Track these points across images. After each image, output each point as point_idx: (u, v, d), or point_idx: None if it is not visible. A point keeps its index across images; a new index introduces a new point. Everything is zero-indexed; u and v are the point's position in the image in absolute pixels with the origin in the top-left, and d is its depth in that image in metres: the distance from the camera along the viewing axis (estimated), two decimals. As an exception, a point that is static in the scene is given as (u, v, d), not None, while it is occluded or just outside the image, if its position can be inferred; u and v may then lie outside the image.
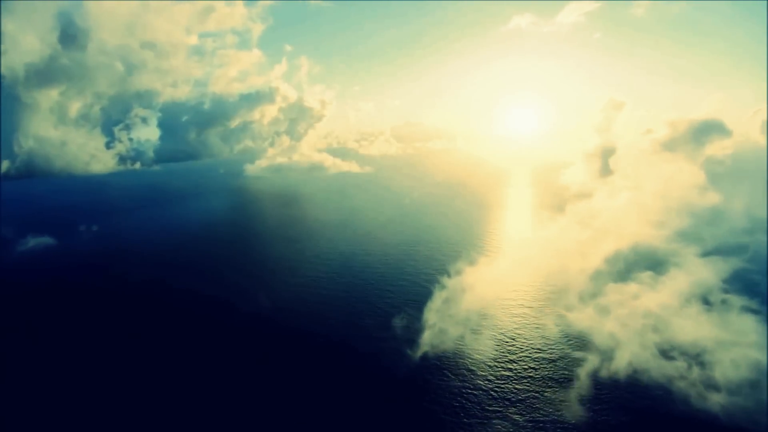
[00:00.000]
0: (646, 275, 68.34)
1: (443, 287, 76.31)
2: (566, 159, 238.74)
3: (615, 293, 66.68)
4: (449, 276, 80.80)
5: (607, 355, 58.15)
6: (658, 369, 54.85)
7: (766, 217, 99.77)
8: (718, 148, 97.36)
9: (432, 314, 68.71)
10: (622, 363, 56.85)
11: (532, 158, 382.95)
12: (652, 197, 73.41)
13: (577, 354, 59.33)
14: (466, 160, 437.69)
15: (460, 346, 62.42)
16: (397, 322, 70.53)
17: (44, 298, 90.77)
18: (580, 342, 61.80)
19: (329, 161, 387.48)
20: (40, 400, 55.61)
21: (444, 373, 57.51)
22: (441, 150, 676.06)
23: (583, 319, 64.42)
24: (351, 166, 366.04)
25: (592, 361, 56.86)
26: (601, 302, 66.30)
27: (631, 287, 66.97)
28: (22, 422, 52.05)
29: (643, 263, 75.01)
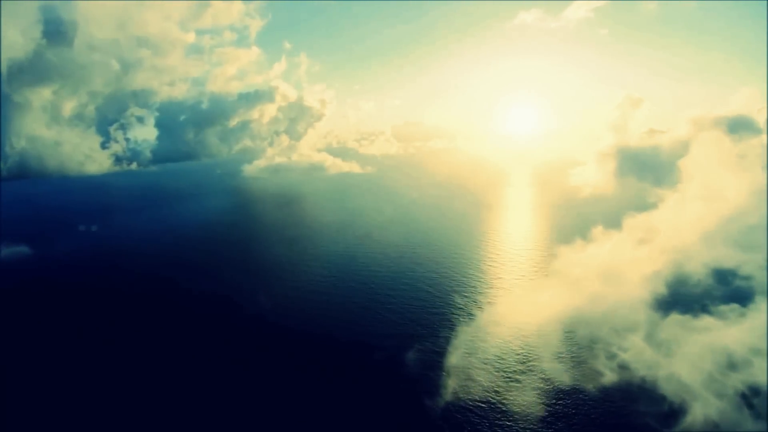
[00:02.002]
0: (723, 306, 54.72)
1: (471, 318, 62.82)
2: (575, 158, 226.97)
3: (682, 327, 53.05)
4: (478, 303, 67.59)
5: (677, 408, 44.94)
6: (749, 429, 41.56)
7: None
8: (748, 147, 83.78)
9: (456, 355, 55.14)
10: (697, 418, 43.58)
11: (537, 158, 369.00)
12: (727, 209, 59.64)
13: (641, 407, 45.94)
14: (468, 159, 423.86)
15: (493, 397, 48.98)
16: (411, 356, 57.33)
17: (41, 300, 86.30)
18: (642, 390, 48.34)
19: (329, 161, 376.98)
20: (35, 406, 52.90)
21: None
22: (442, 149, 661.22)
23: (643, 359, 50.90)
24: (351, 166, 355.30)
25: (659, 417, 43.74)
26: (665, 338, 52.67)
27: (704, 320, 53.41)
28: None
29: (717, 290, 61.62)
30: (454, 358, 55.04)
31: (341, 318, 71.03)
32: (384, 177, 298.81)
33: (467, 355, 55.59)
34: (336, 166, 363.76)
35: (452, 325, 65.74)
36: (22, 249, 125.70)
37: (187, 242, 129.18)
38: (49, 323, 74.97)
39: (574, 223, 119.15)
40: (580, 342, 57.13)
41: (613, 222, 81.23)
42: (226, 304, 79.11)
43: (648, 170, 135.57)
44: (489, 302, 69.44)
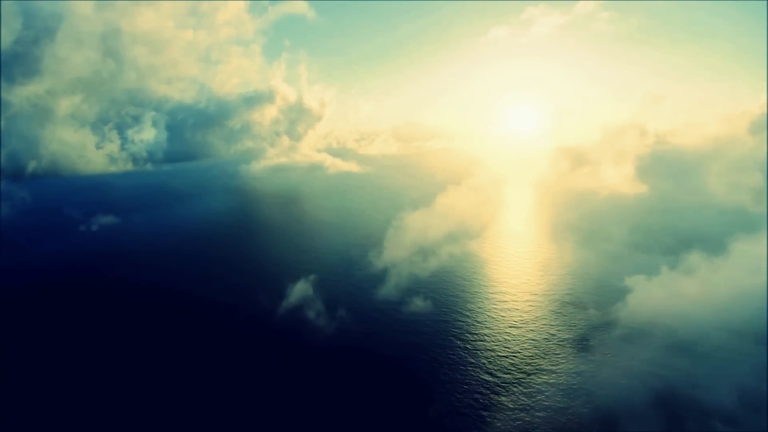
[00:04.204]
0: None
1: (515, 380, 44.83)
2: (583, 159, 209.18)
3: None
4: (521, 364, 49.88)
5: None
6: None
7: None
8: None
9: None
10: None
11: (541, 157, 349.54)
12: None
13: None
14: (467, 159, 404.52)
15: None
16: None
17: (39, 301, 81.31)
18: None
19: (329, 161, 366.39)
20: (31, 406, 50.11)
21: None
22: (441, 149, 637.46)
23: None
24: (350, 166, 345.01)
25: None
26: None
27: None
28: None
29: None
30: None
31: (342, 324, 65.38)
32: (383, 176, 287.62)
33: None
34: (336, 166, 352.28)
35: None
36: (23, 249, 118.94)
37: (188, 241, 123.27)
38: (48, 324, 70.65)
39: (618, 236, 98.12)
40: (677, 418, 38.73)
41: (662, 230, 63.18)
42: (226, 304, 75.20)
43: (672, 171, 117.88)
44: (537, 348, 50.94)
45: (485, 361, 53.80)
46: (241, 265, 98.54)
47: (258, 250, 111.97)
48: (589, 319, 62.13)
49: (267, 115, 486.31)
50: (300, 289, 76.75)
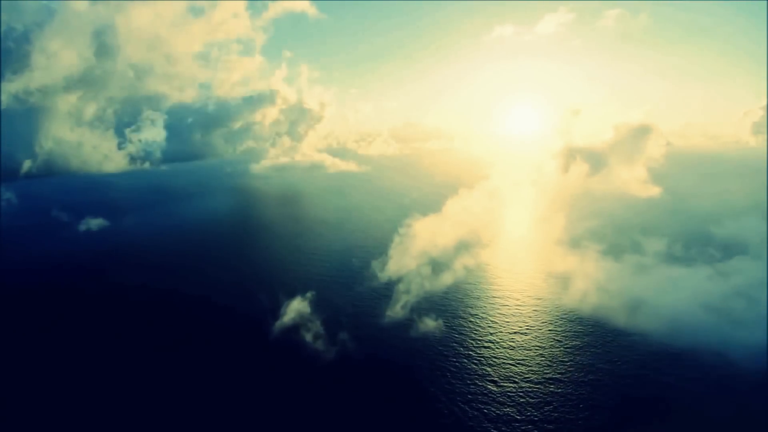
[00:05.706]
0: None
1: None
2: (597, 159, 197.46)
3: None
4: None
5: None
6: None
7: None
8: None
9: None
10: None
11: (545, 158, 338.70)
12: None
13: None
14: (467, 159, 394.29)
15: None
16: None
17: (42, 299, 78.71)
18: None
19: (329, 161, 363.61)
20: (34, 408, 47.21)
21: None
22: (439, 150, 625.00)
23: None
24: (350, 166, 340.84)
25: None
26: None
27: None
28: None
29: None
30: None
31: (344, 348, 58.33)
32: (381, 177, 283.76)
33: None
34: (335, 165, 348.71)
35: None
36: (20, 250, 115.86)
37: (187, 242, 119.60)
38: (44, 326, 67.79)
39: (647, 244, 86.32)
40: None
41: (695, 237, 54.48)
42: (222, 308, 71.85)
43: (689, 172, 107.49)
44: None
45: (490, 371, 44.32)
46: (241, 267, 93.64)
47: (258, 251, 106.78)
48: (610, 333, 55.70)
49: (268, 116, 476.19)
50: (296, 308, 66.55)
